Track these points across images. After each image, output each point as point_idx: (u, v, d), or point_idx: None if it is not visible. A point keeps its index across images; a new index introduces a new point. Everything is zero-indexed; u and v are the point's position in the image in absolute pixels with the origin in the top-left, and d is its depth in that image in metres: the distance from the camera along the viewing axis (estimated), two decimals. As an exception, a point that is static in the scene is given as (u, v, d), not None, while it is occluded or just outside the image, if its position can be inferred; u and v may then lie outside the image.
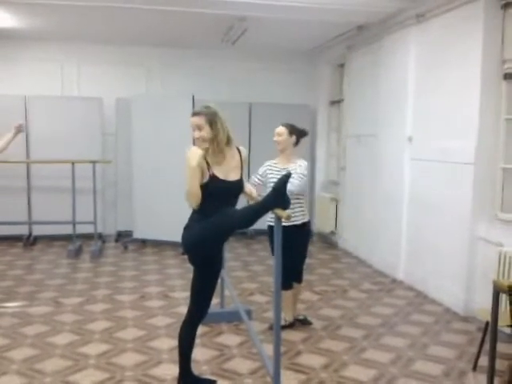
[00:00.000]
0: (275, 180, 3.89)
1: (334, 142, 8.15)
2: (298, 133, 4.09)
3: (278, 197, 2.83)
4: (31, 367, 3.49)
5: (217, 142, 2.95)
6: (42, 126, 7.34)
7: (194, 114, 2.96)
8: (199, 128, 2.92)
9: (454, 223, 4.80)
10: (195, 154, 2.87)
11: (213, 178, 2.92)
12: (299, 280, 4.24)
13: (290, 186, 3.65)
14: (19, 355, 3.67)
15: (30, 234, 7.45)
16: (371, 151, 6.41)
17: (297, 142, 4.11)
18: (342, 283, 5.66)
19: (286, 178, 2.87)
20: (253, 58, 8.09)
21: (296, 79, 8.39)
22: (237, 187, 3.07)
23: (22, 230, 7.42)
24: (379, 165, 6.19)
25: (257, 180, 4.12)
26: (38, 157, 7.27)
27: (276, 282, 2.87)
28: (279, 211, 2.79)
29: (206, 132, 2.92)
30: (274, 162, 4.15)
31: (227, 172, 2.99)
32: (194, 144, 2.99)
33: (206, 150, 2.93)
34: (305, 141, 7.94)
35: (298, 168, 3.97)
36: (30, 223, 7.45)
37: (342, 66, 7.64)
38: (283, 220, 2.80)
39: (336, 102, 7.98)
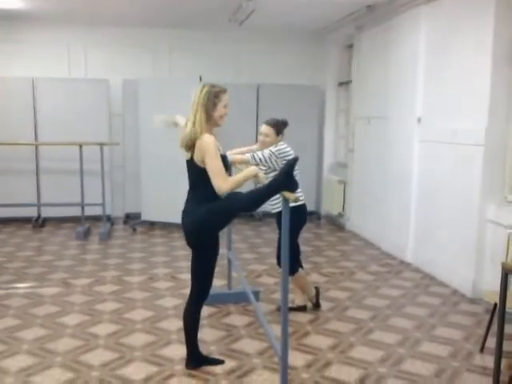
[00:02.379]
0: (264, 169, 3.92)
1: (343, 123, 8.09)
2: (282, 128, 4.02)
3: (286, 179, 2.84)
4: (42, 347, 3.54)
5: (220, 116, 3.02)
6: (50, 108, 7.35)
7: (225, 90, 3.01)
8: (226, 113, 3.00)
9: (463, 205, 4.77)
10: (213, 141, 2.90)
11: (223, 156, 2.95)
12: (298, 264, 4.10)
13: (248, 155, 3.83)
14: (30, 335, 3.73)
15: (39, 216, 7.51)
16: (380, 133, 6.36)
17: (279, 133, 4.04)
18: (349, 265, 5.67)
19: (293, 161, 2.88)
20: (260, 39, 8.01)
21: (304, 60, 8.32)
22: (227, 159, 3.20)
23: (31, 212, 7.48)
24: (388, 146, 6.15)
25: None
26: (46, 139, 7.28)
27: (283, 263, 2.88)
28: (287, 193, 2.80)
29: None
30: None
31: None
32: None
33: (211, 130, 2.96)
34: (313, 122, 8.02)
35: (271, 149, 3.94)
36: (39, 205, 7.49)
37: (350, 46, 7.55)
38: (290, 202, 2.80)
39: (344, 83, 7.91)
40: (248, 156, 3.81)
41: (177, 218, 6.64)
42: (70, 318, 4.06)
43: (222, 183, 2.87)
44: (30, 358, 3.38)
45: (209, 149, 2.88)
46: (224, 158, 2.99)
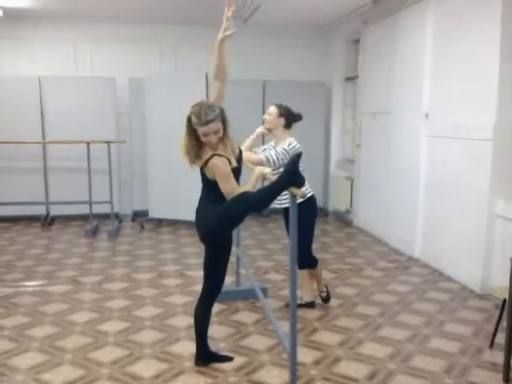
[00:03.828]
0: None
1: (349, 119, 8.07)
2: (289, 116, 3.99)
3: (291, 175, 2.83)
4: (52, 344, 3.56)
5: (228, 134, 2.95)
6: (57, 107, 7.37)
7: (211, 120, 2.83)
8: (217, 132, 2.88)
9: (471, 200, 4.75)
10: (222, 163, 2.88)
11: (233, 169, 2.97)
12: (307, 264, 4.10)
13: (262, 156, 3.81)
14: (40, 333, 3.75)
15: (48, 214, 7.55)
16: (387, 128, 6.34)
17: (288, 125, 4.01)
18: (357, 261, 5.66)
19: (297, 157, 2.87)
20: (266, 35, 7.98)
21: (310, 56, 8.30)
22: (242, 161, 3.14)
23: (40, 210, 7.52)
24: (395, 142, 6.13)
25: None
26: (53, 137, 7.31)
27: (291, 259, 2.88)
28: (294, 189, 2.80)
29: (221, 132, 2.91)
30: (271, 143, 4.13)
31: (233, 153, 3.02)
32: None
33: (217, 149, 2.93)
34: (319, 118, 7.99)
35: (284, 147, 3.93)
36: (48, 203, 7.53)
37: (357, 41, 7.52)
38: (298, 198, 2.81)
39: (351, 79, 7.88)
40: (262, 157, 3.80)
41: (184, 215, 6.80)
42: (79, 315, 4.08)
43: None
44: (40, 355, 3.41)
45: (218, 174, 2.90)
46: (235, 169, 2.99)
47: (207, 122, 2.82)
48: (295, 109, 4.06)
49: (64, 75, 7.54)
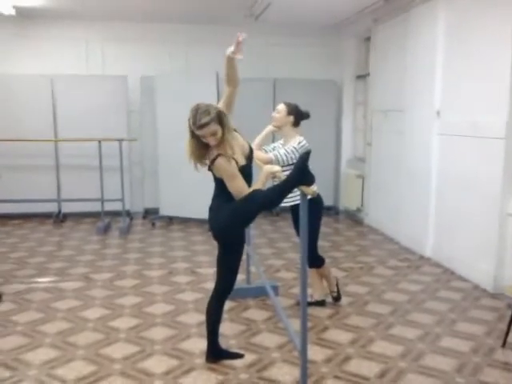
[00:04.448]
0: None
1: (360, 117, 8.04)
2: (297, 114, 4.00)
3: (301, 174, 2.85)
4: (64, 340, 3.59)
5: (229, 135, 2.95)
6: (69, 105, 7.42)
7: (204, 125, 2.83)
8: (214, 134, 2.89)
9: (483, 199, 4.72)
10: (226, 163, 2.90)
11: (240, 168, 2.98)
12: (313, 264, 4.08)
13: (271, 155, 3.81)
14: (52, 329, 3.78)
15: (60, 212, 7.60)
16: (398, 126, 6.31)
17: (296, 123, 4.01)
18: (368, 260, 5.64)
19: (306, 155, 2.89)
20: (276, 33, 7.98)
21: (321, 54, 8.28)
22: (252, 160, 3.16)
23: (52, 208, 7.58)
24: (406, 140, 6.10)
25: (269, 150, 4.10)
26: (65, 135, 7.36)
27: (302, 257, 2.88)
28: (304, 188, 2.80)
29: (220, 133, 2.91)
30: (281, 141, 4.12)
31: (242, 151, 3.05)
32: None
33: (221, 150, 2.93)
34: (330, 116, 7.98)
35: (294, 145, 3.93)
36: (59, 201, 7.59)
37: (368, 39, 7.49)
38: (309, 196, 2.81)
39: (362, 77, 7.86)
40: (272, 156, 3.80)
41: (195, 213, 6.82)
42: (91, 311, 4.12)
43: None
44: (52, 350, 3.44)
45: (223, 173, 2.94)
46: (243, 167, 3.00)
47: (201, 126, 2.84)
48: (306, 107, 4.06)
49: (76, 74, 7.59)
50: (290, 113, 3.96)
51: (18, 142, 6.89)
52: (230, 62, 3.02)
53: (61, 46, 7.71)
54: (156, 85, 7.19)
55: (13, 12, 6.80)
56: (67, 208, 7.61)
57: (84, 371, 3.16)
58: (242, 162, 3.01)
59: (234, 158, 2.94)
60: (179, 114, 6.72)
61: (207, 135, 2.88)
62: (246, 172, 3.04)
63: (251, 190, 2.97)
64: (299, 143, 3.87)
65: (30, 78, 7.40)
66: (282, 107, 3.99)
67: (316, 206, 3.84)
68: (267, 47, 8.04)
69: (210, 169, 3.05)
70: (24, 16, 7.18)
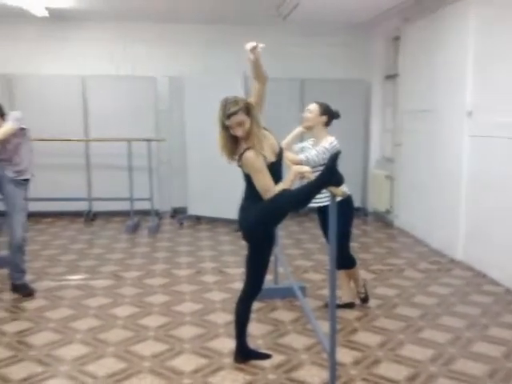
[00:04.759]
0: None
1: (389, 117, 7.96)
2: (330, 114, 3.97)
3: (330, 174, 2.84)
4: (95, 337, 3.65)
5: (258, 127, 2.98)
6: (99, 105, 7.54)
7: (232, 113, 2.88)
8: (241, 124, 2.91)
9: (517, 201, 4.62)
10: (254, 156, 2.91)
11: (269, 165, 2.98)
12: (344, 265, 4.02)
13: (303, 156, 3.78)
14: (83, 325, 3.85)
15: (90, 210, 7.73)
16: (428, 127, 6.22)
17: (328, 123, 3.99)
18: (397, 262, 5.58)
19: (336, 155, 2.88)
20: (304, 33, 7.95)
21: (349, 53, 8.21)
22: (282, 159, 3.15)
23: (83, 207, 7.71)
24: (437, 141, 6.01)
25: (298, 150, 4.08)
26: (96, 135, 7.49)
27: (331, 259, 2.87)
28: (333, 188, 2.79)
29: (247, 125, 2.93)
30: (310, 141, 4.10)
31: (271, 149, 3.05)
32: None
33: (250, 143, 2.94)
34: (359, 117, 7.92)
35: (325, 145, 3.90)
36: (90, 200, 7.72)
37: (397, 39, 7.40)
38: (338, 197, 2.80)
39: (391, 77, 7.77)
40: (303, 157, 3.78)
41: (223, 213, 6.85)
42: (121, 309, 4.17)
43: (267, 197, 2.95)
44: (83, 347, 3.50)
45: (250, 167, 2.95)
46: (272, 164, 3.00)
47: (229, 115, 2.89)
48: (334, 107, 4.04)
49: (106, 74, 7.70)
50: (322, 113, 3.93)
51: (50, 142, 7.02)
52: (254, 64, 3.04)
53: (92, 47, 7.84)
54: (184, 85, 7.24)
55: (46, 14, 6.95)
56: (97, 207, 7.74)
57: (114, 368, 3.21)
58: (271, 158, 3.01)
59: (262, 154, 2.95)
60: (207, 114, 6.75)
61: (235, 125, 2.91)
62: (275, 169, 3.03)
63: (278, 188, 2.96)
64: (330, 143, 3.84)
65: (62, 78, 7.55)
66: (314, 107, 3.96)
67: (348, 207, 3.83)
68: (294, 47, 8.02)
69: (239, 165, 3.05)
70: (56, 17, 7.31)
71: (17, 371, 3.16)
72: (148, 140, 6.92)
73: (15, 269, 4.47)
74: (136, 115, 7.56)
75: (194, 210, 7.39)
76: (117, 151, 7.27)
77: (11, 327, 3.81)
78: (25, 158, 4.41)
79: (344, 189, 2.94)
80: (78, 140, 7.40)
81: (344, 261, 3.96)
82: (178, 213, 7.73)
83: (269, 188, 2.94)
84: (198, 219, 7.48)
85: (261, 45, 2.95)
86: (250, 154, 2.92)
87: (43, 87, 7.45)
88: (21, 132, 4.30)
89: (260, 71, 3.06)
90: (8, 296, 4.44)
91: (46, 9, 6.84)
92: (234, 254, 5.79)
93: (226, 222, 7.00)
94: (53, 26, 7.57)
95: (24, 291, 4.46)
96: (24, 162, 4.41)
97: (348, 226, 3.98)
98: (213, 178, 6.95)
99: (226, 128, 2.96)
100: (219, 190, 6.83)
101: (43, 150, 7.31)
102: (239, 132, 2.93)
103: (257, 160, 2.92)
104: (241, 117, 2.90)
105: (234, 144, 3.01)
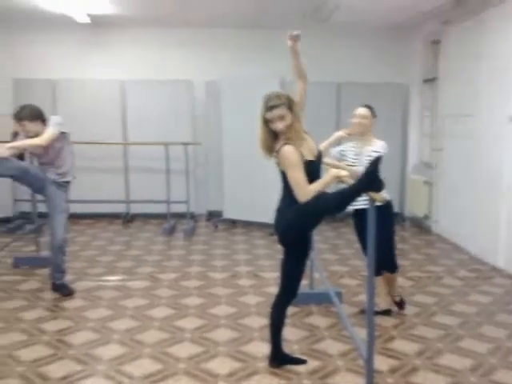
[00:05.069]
0: (352, 164, 3.85)
1: (428, 122, 7.81)
2: (375, 116, 3.97)
3: (371, 179, 2.80)
4: (132, 337, 3.70)
5: (299, 123, 2.99)
6: (138, 110, 7.67)
7: (274, 106, 2.91)
8: (282, 118, 2.92)
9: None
10: (291, 151, 2.90)
11: (306, 163, 2.96)
12: (390, 268, 4.02)
13: (360, 168, 3.65)
14: (121, 325, 3.92)
15: (128, 213, 7.86)
16: (469, 131, 6.08)
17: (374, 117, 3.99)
18: (436, 269, 5.46)
19: (377, 160, 2.83)
20: (340, 36, 7.89)
21: (386, 57, 8.11)
22: (320, 162, 3.13)
23: (121, 209, 7.85)
24: (477, 146, 5.86)
25: (336, 154, 4.05)
26: (134, 139, 7.62)
27: (369, 266, 2.83)
28: (373, 194, 2.75)
29: (288, 120, 2.93)
30: (352, 144, 4.04)
31: (310, 150, 3.03)
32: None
33: (290, 139, 2.94)
34: (396, 121, 7.80)
35: (376, 148, 3.85)
36: (128, 202, 7.85)
37: (436, 42, 7.26)
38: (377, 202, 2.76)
39: (430, 80, 7.63)
40: (360, 170, 3.57)
41: (258, 217, 6.87)
42: (157, 311, 4.22)
43: (299, 194, 2.91)
44: (121, 347, 3.55)
45: (286, 161, 2.92)
46: (310, 164, 2.98)
47: (271, 108, 2.91)
48: None
49: (144, 79, 7.83)
50: (373, 116, 3.92)
51: (90, 145, 7.18)
52: (293, 52, 3.13)
53: (131, 52, 7.98)
54: (221, 89, 7.30)
55: (87, 20, 7.12)
56: (135, 209, 7.86)
57: (150, 369, 3.24)
58: (309, 157, 2.99)
59: (300, 150, 2.94)
60: (243, 118, 6.89)
61: (276, 118, 2.92)
62: (312, 169, 2.99)
63: (312, 187, 2.92)
64: (384, 148, 3.84)
65: (102, 82, 7.72)
66: (366, 112, 3.91)
67: (388, 212, 3.80)
68: (331, 50, 7.96)
69: (277, 162, 3.05)
70: (97, 23, 7.49)
71: (56, 369, 3.23)
72: (185, 144, 7.00)
73: (56, 269, 4.58)
74: (173, 119, 7.66)
75: (229, 213, 7.43)
76: (154, 154, 7.38)
77: (51, 326, 3.91)
78: (66, 161, 4.53)
79: (384, 194, 2.90)
80: (116, 143, 7.55)
81: (390, 264, 3.96)
82: (214, 216, 7.77)
83: (301, 184, 2.89)
84: (234, 223, 7.51)
85: (296, 32, 3.09)
86: (287, 148, 2.92)
87: (84, 92, 7.64)
88: (62, 136, 4.41)
89: (299, 63, 3.13)
90: (49, 295, 4.56)
91: (88, 15, 7.01)
92: (269, 257, 5.78)
93: (261, 225, 7.01)
94: (93, 32, 7.75)
95: (64, 291, 4.57)
96: (65, 165, 4.52)
97: (393, 231, 3.98)
98: (249, 182, 6.97)
99: (266, 123, 2.97)
100: (255, 194, 6.84)
101: (83, 153, 7.48)
102: (280, 125, 2.93)
103: (293, 154, 2.90)
104: (282, 111, 2.91)
105: (273, 140, 3.01)
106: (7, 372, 3.19)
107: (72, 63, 7.89)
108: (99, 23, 7.53)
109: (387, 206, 3.81)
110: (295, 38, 3.14)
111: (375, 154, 3.69)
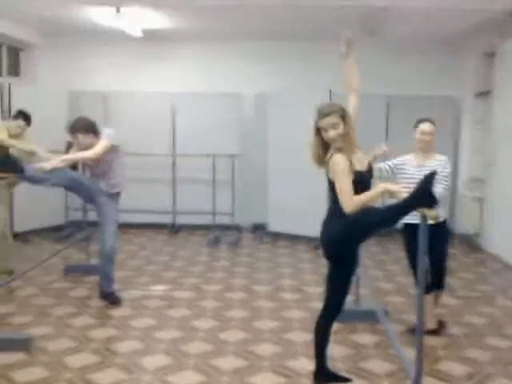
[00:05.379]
0: (408, 177, 3.78)
1: (480, 136, 7.59)
2: None
3: (424, 195, 2.73)
4: (176, 348, 3.74)
5: (352, 134, 2.95)
6: (186, 122, 7.78)
7: (326, 114, 2.91)
8: (335, 126, 2.90)
9: None
10: (341, 159, 2.87)
11: (356, 173, 2.91)
12: (440, 285, 3.97)
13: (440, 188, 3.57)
14: (166, 335, 3.96)
15: (174, 223, 7.97)
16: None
17: None
18: (487, 289, 5.27)
19: (431, 176, 2.76)
20: (390, 49, 7.81)
21: (437, 69, 7.95)
22: (371, 174, 3.07)
23: (167, 219, 7.96)
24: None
25: (387, 167, 3.98)
26: (182, 151, 7.73)
27: (420, 284, 2.76)
28: (425, 210, 2.69)
29: (341, 129, 2.91)
30: (410, 157, 3.97)
31: (361, 161, 2.99)
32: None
33: (340, 149, 2.91)
34: (447, 135, 7.62)
35: (440, 164, 3.77)
36: (175, 213, 7.96)
37: (490, 54, 7.07)
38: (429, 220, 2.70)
39: (483, 94, 7.42)
40: (440, 190, 3.57)
41: (302, 231, 6.82)
42: (201, 322, 4.25)
43: (345, 203, 2.85)
44: (165, 357, 3.59)
45: (335, 168, 2.89)
46: (360, 175, 2.94)
47: (324, 116, 2.90)
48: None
49: (194, 92, 7.95)
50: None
51: (140, 156, 7.33)
52: (346, 59, 3.12)
53: (181, 65, 8.15)
54: (269, 101, 7.33)
55: (141, 34, 7.33)
56: (181, 219, 7.96)
57: (194, 380, 3.26)
58: (358, 167, 2.95)
59: (350, 160, 2.90)
60: (291, 131, 6.90)
61: (329, 127, 2.90)
62: (361, 181, 2.93)
63: (359, 197, 2.85)
64: (447, 164, 3.81)
65: (153, 95, 7.90)
66: (433, 128, 3.87)
67: (446, 230, 3.76)
68: (380, 63, 7.85)
69: (326, 172, 3.02)
70: (149, 38, 7.68)
71: (103, 377, 3.29)
72: (231, 156, 7.06)
73: (105, 277, 4.68)
74: (221, 131, 7.73)
75: (274, 226, 7.42)
76: (201, 166, 7.48)
77: (99, 333, 3.99)
78: (117, 173, 4.64)
79: (438, 212, 2.83)
80: (165, 155, 7.69)
81: (442, 282, 3.93)
82: (258, 228, 7.78)
83: (348, 194, 2.83)
84: (278, 235, 7.48)
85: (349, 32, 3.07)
86: (337, 156, 2.89)
87: (135, 104, 7.83)
88: (113, 148, 4.53)
89: (352, 73, 3.15)
90: (96, 303, 4.66)
91: (142, 30, 7.21)
92: (314, 272, 5.73)
93: (305, 239, 6.96)
94: (145, 45, 7.96)
95: (111, 299, 4.66)
96: (116, 177, 4.64)
97: (446, 250, 3.95)
98: (294, 196, 6.95)
99: (318, 132, 2.96)
100: (300, 208, 6.81)
101: (133, 164, 7.66)
102: (332, 134, 2.90)
103: (343, 162, 2.87)
104: (335, 119, 2.90)
105: (324, 150, 2.99)
106: (56, 378, 3.28)
107: (124, 76, 8.13)
108: (151, 37, 7.73)
109: (443, 224, 3.75)
110: (349, 42, 3.10)
111: (438, 168, 3.64)
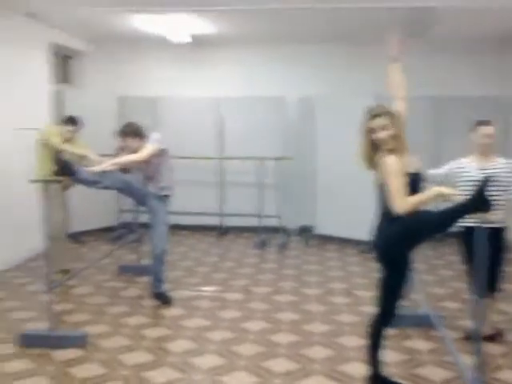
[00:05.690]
0: (470, 180, 3.67)
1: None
2: None
3: (480, 199, 2.67)
4: (228, 349, 3.76)
5: (403, 136, 2.92)
6: (233, 125, 7.83)
7: (376, 115, 2.91)
8: (385, 127, 2.89)
9: None
10: (394, 160, 2.84)
11: (408, 175, 2.87)
12: (493, 288, 3.80)
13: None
14: (217, 336, 3.99)
15: (222, 225, 8.03)
16: None
17: None
18: (546, 296, 5.06)
19: (487, 180, 2.72)
20: (438, 49, 7.60)
21: (487, 69, 7.70)
22: (421, 178, 3.01)
23: (216, 221, 8.03)
24: None
25: (440, 171, 3.88)
26: (229, 154, 7.79)
27: (478, 289, 2.68)
28: (480, 214, 2.63)
29: (391, 130, 2.89)
30: (468, 160, 3.85)
31: (411, 164, 2.94)
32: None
33: (392, 150, 2.87)
34: (497, 137, 7.35)
35: (505, 168, 3.66)
36: (223, 215, 8.02)
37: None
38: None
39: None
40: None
41: (351, 234, 6.74)
42: (252, 324, 4.26)
43: (397, 204, 2.81)
44: (217, 358, 3.62)
45: (388, 169, 2.85)
46: (411, 176, 2.88)
47: (374, 117, 2.91)
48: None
49: (239, 96, 7.99)
50: None
51: (188, 159, 7.42)
52: (394, 63, 3.13)
53: (227, 69, 8.20)
54: (314, 105, 7.31)
55: (189, 40, 7.43)
56: (229, 222, 8.02)
57: (247, 381, 3.28)
58: (410, 170, 2.91)
59: (401, 161, 2.87)
60: (338, 133, 6.84)
61: (378, 128, 2.89)
62: (411, 182, 2.89)
63: (411, 199, 2.81)
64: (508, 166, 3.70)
65: (200, 100, 8.00)
66: (494, 131, 3.76)
67: (504, 236, 3.68)
68: (428, 64, 7.67)
69: (377, 174, 2.99)
70: (196, 43, 7.77)
71: (157, 375, 3.35)
72: (278, 158, 7.06)
73: (155, 278, 4.77)
74: (266, 134, 7.73)
75: (321, 228, 7.37)
76: (248, 169, 7.50)
77: (151, 333, 4.07)
78: (165, 176, 4.73)
79: (495, 216, 2.77)
80: (212, 158, 7.76)
81: (497, 286, 3.83)
82: (306, 231, 7.74)
83: (400, 194, 2.80)
84: (325, 238, 7.42)
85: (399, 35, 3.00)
86: (389, 157, 2.87)
87: (182, 108, 7.95)
88: (161, 152, 4.62)
89: (398, 77, 3.14)
90: (149, 302, 4.76)
91: (190, 35, 7.31)
92: (364, 276, 5.65)
93: (353, 242, 6.87)
94: (192, 51, 8.04)
95: (162, 299, 4.74)
96: (165, 180, 4.73)
97: (504, 255, 3.82)
98: (342, 199, 6.88)
99: (368, 133, 2.95)
100: (348, 210, 6.74)
101: (181, 168, 7.78)
102: (382, 135, 2.89)
103: (396, 163, 2.84)
104: (384, 121, 2.90)
105: (374, 151, 2.97)
106: (112, 374, 3.36)
107: (171, 81, 8.25)
108: (197, 42, 7.83)
109: (502, 228, 3.66)
110: (400, 45, 3.08)
111: (500, 172, 3.55)
